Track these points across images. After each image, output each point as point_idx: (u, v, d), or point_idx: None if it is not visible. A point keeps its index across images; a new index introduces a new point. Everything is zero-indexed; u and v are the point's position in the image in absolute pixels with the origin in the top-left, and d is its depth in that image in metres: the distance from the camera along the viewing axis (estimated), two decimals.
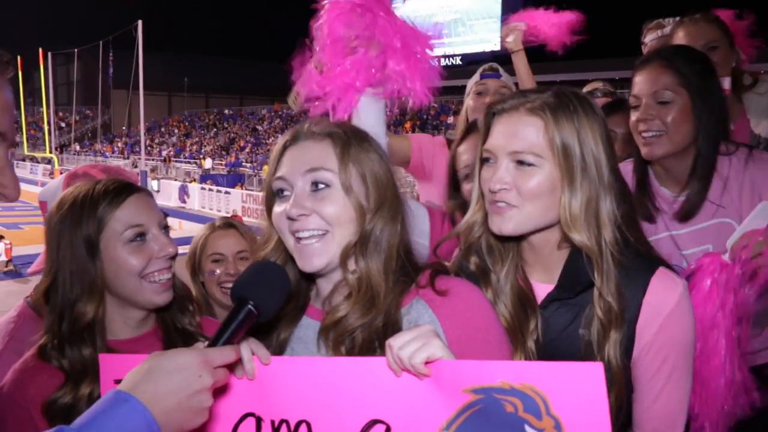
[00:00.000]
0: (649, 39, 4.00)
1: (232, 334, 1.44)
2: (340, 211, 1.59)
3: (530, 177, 1.71)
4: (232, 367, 1.48)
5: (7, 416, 1.80)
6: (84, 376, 1.80)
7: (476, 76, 3.83)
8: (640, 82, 2.55)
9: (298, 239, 1.62)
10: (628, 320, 1.73)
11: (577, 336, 1.75)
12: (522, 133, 1.72)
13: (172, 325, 2.03)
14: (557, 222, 1.75)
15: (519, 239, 1.83)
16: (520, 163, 1.71)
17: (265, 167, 35.25)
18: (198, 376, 1.33)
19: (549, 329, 1.78)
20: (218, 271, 2.90)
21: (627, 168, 2.70)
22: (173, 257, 1.93)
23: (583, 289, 1.76)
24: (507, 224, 1.74)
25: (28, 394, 1.80)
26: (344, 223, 1.60)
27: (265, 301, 1.48)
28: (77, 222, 1.85)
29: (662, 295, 1.73)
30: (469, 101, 3.74)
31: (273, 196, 1.68)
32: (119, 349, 1.87)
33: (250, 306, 1.45)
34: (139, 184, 2.06)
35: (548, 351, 1.77)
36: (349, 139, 1.64)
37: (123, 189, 1.91)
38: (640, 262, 1.76)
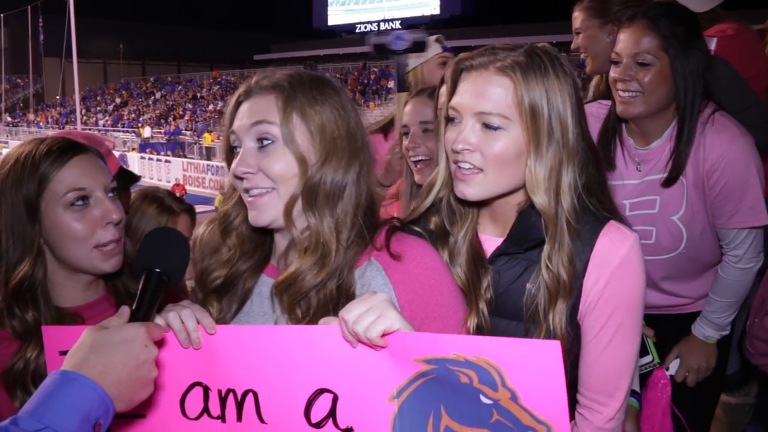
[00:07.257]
0: None
1: (151, 304, 1.47)
2: (284, 168, 1.57)
3: (496, 141, 1.65)
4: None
5: None
6: (30, 339, 1.74)
7: (436, 47, 3.69)
8: (623, 41, 2.56)
9: (249, 194, 1.61)
10: (576, 278, 1.69)
11: (524, 290, 1.72)
12: (490, 93, 1.65)
13: (124, 291, 1.95)
14: (521, 187, 1.71)
15: (481, 203, 1.79)
16: (486, 125, 1.66)
17: (205, 135, 34.73)
18: (144, 346, 1.36)
19: (498, 283, 1.75)
20: None
21: (601, 111, 2.77)
22: (118, 223, 1.82)
23: (533, 246, 1.72)
24: (471, 190, 1.69)
25: None
26: (288, 179, 1.58)
27: (172, 266, 1.52)
28: (18, 182, 1.75)
29: (610, 248, 1.69)
30: (431, 67, 3.62)
31: (231, 150, 1.67)
32: (72, 315, 1.82)
33: (160, 274, 1.49)
34: (112, 150, 1.95)
35: (498, 305, 1.74)
36: (294, 91, 1.61)
37: (67, 149, 1.80)
38: (591, 219, 1.72)
